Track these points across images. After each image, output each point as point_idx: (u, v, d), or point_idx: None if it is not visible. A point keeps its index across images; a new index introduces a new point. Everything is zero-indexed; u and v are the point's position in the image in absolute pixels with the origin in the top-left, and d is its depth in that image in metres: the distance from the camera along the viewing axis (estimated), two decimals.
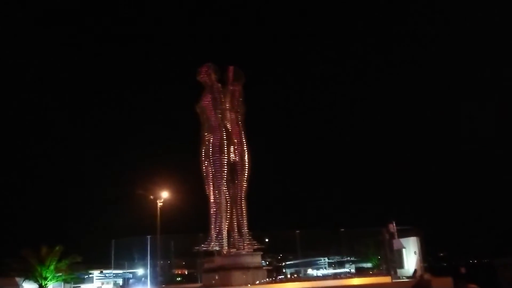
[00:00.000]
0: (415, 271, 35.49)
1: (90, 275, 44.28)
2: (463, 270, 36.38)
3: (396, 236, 36.43)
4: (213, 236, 35.52)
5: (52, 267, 37.16)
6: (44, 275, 36.96)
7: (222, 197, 36.08)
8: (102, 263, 44.40)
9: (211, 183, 36.79)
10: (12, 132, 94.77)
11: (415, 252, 36.96)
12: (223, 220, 35.70)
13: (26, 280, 38.24)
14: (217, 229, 35.74)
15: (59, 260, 37.46)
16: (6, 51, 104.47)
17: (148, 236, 38.78)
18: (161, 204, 38.33)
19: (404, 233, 37.39)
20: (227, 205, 36.38)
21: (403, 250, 37.34)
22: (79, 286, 43.49)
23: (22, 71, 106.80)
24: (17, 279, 38.86)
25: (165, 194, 38.94)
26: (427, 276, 31.90)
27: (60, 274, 37.76)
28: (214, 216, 36.17)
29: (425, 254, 37.83)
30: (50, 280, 37.46)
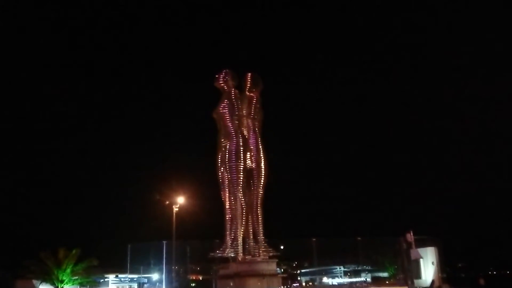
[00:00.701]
0: (433, 281, 34.90)
1: (106, 279, 44.50)
2: (482, 281, 35.62)
3: (413, 246, 35.95)
4: (228, 243, 35.44)
5: (68, 270, 37.41)
6: (60, 278, 37.22)
7: (238, 203, 36.00)
8: (118, 267, 44.63)
9: (227, 189, 36.76)
10: (32, 138, 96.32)
11: (433, 262, 36.33)
12: (239, 227, 35.61)
13: (43, 283, 38.55)
14: (232, 236, 35.66)
15: (76, 264, 37.69)
16: (24, 55, 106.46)
17: (164, 241, 38.87)
18: (177, 209, 38.34)
19: (422, 243, 36.86)
20: (242, 212, 36.26)
21: (421, 260, 36.75)
22: None
23: (40, 72, 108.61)
24: (34, 281, 39.19)
25: (181, 200, 38.96)
26: (445, 287, 31.38)
27: (76, 277, 37.98)
28: (229, 223, 36.13)
29: (444, 264, 37.23)
30: (67, 283, 37.70)
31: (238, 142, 36.53)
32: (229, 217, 36.18)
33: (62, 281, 37.39)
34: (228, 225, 36.01)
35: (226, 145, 36.97)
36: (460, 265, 67.07)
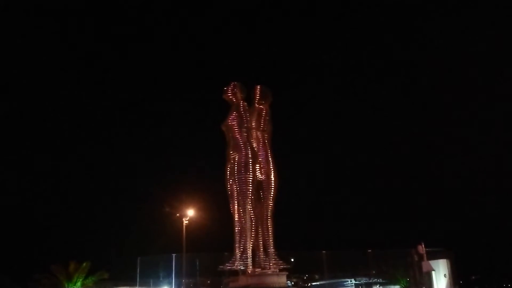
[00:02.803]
0: None
1: None
2: None
3: (425, 258, 35.66)
4: (237, 255, 35.36)
5: (79, 284, 37.47)
6: None
7: (247, 215, 35.99)
8: (128, 280, 44.54)
9: (235, 202, 36.79)
10: (41, 148, 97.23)
11: (445, 274, 35.95)
12: (248, 239, 35.53)
13: None
14: (242, 248, 35.58)
15: (86, 277, 37.75)
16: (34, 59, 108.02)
17: (174, 254, 38.88)
18: (187, 222, 38.43)
19: (434, 255, 36.53)
20: (251, 224, 36.22)
21: (433, 272, 36.37)
22: None
23: (54, 82, 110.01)
24: None
25: (190, 212, 39.05)
26: None
27: None
28: (238, 235, 36.08)
29: (456, 277, 36.79)
30: None
31: (247, 154, 36.61)
32: (238, 229, 36.15)
33: None
34: (237, 238, 35.96)
35: (234, 157, 37.07)
36: (473, 277, 66.02)
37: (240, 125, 37.36)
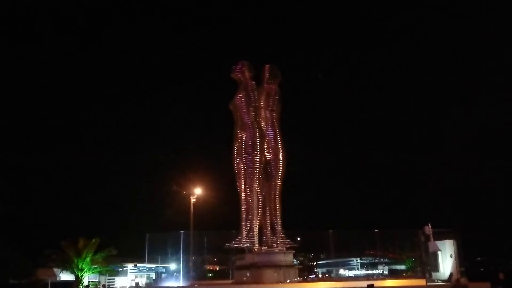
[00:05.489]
0: (451, 274, 34.54)
1: (124, 268, 45.04)
2: (502, 276, 35.04)
3: (431, 239, 35.68)
4: (244, 234, 35.63)
5: (88, 259, 38.02)
6: (80, 266, 37.86)
7: (254, 194, 36.12)
8: (136, 257, 45.18)
9: (242, 181, 36.90)
10: (51, 126, 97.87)
11: (451, 255, 35.92)
12: (254, 218, 35.75)
13: (64, 271, 39.31)
14: (248, 227, 35.84)
15: (95, 253, 38.29)
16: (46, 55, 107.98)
17: (182, 232, 39.28)
18: (195, 200, 38.70)
19: (440, 236, 36.51)
20: (258, 203, 36.38)
21: (439, 253, 36.41)
22: (114, 279, 44.37)
23: (53, 68, 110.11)
24: (55, 269, 39.99)
25: (198, 191, 39.29)
26: (463, 280, 31.05)
27: (96, 266, 38.61)
28: (244, 214, 36.30)
29: (462, 257, 36.75)
30: (86, 271, 38.34)
31: (254, 133, 36.54)
32: (245, 208, 36.34)
33: (82, 270, 38.04)
34: (244, 216, 36.19)
35: (242, 136, 37.04)
36: (479, 258, 66.22)
37: (248, 104, 37.21)
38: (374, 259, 50.19)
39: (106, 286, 43.46)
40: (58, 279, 40.63)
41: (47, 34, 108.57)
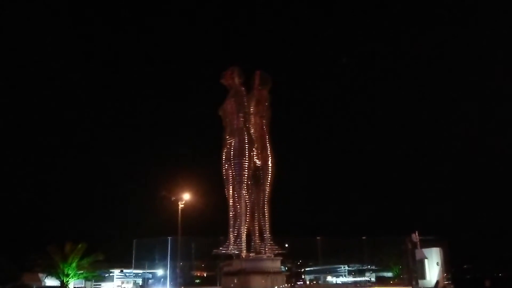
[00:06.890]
0: (437, 282, 34.73)
1: (111, 274, 44.69)
2: (488, 283, 35.44)
3: (418, 246, 35.83)
4: (232, 240, 35.47)
5: (74, 264, 37.67)
6: (66, 271, 37.50)
7: (242, 201, 35.95)
8: (123, 262, 44.87)
9: (231, 187, 36.76)
10: (39, 130, 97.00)
11: (437, 263, 36.13)
12: (242, 224, 35.57)
13: (49, 276, 38.89)
14: (236, 233, 35.65)
15: (82, 258, 37.97)
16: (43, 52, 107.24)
17: (169, 237, 39.11)
18: (183, 205, 38.54)
19: (427, 243, 36.70)
20: (246, 209, 36.22)
21: (426, 260, 36.59)
22: (100, 285, 43.97)
23: (55, 68, 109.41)
24: (40, 275, 39.58)
25: (186, 196, 39.15)
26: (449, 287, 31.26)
27: (82, 271, 38.27)
28: (232, 220, 36.08)
29: (449, 265, 37.05)
30: (72, 277, 37.99)
31: (243, 139, 36.38)
32: (233, 214, 36.16)
33: (67, 275, 37.71)
34: (231, 222, 35.98)
35: (231, 142, 36.89)
36: (466, 266, 66.65)
37: (237, 110, 37.07)
38: (362, 266, 50.38)
39: None
40: (43, 284, 40.17)
41: (47, 34, 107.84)
